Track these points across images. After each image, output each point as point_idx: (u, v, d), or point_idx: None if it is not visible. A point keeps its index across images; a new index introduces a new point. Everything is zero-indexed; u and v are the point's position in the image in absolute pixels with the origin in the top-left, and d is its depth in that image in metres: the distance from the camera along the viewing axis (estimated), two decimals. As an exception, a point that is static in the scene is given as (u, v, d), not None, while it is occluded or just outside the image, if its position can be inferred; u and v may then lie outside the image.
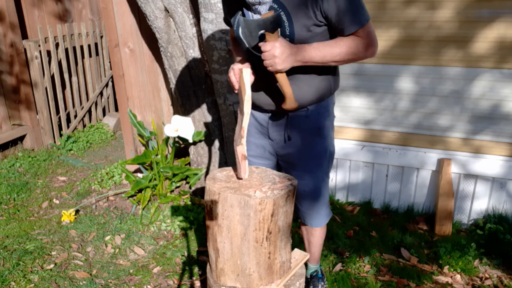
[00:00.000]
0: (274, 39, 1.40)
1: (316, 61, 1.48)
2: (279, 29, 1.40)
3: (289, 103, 1.57)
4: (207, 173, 3.17)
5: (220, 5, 2.50)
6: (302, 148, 1.73)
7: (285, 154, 1.78)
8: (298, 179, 1.76)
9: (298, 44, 1.48)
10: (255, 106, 1.75)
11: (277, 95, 1.63)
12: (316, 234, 2.01)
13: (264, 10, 1.46)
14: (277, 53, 1.39)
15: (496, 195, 2.80)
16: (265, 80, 1.60)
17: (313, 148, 1.74)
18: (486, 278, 2.37)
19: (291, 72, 1.53)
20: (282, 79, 1.51)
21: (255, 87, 1.65)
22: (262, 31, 1.40)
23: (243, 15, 1.54)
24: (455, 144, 2.82)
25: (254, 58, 1.56)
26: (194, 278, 2.41)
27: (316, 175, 1.80)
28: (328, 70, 1.64)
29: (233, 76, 1.56)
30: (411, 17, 2.66)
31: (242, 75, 1.49)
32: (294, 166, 1.79)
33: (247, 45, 1.46)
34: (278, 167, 1.89)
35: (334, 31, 1.51)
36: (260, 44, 1.42)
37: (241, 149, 1.52)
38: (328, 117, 1.74)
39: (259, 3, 1.44)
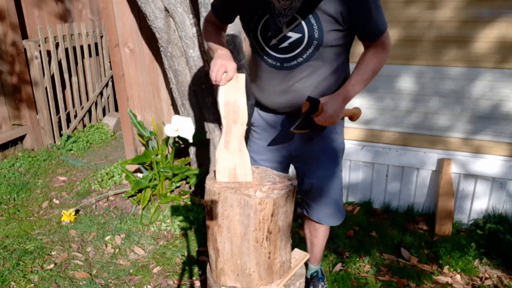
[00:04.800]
0: (321, 112, 1.48)
1: (358, 91, 1.57)
2: (319, 102, 1.48)
3: (356, 116, 1.70)
4: (207, 173, 3.17)
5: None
6: (321, 146, 1.74)
7: (303, 154, 1.77)
8: (317, 178, 1.77)
9: (325, 47, 1.51)
10: (267, 109, 1.74)
11: (293, 97, 1.63)
12: (320, 236, 2.01)
13: (292, 12, 1.44)
14: (334, 118, 1.50)
15: (496, 195, 2.79)
16: (279, 84, 1.59)
17: (331, 145, 1.76)
18: (486, 278, 2.37)
19: (310, 79, 1.57)
20: (342, 115, 1.61)
21: (269, 90, 1.65)
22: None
23: (269, 16, 1.51)
24: (455, 144, 2.82)
25: (272, 61, 1.58)
26: (194, 278, 2.41)
27: (334, 172, 1.81)
28: (342, 72, 1.66)
29: (220, 77, 1.48)
30: (411, 16, 2.66)
31: (238, 80, 1.47)
32: (312, 165, 1.77)
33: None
34: (287, 170, 1.89)
35: (357, 36, 1.56)
36: (315, 120, 1.51)
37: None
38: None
39: (289, 5, 1.43)
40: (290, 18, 1.46)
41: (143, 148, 3.57)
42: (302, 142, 1.74)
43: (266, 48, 1.58)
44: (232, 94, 1.49)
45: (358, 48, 1.92)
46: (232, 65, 1.49)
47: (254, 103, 1.87)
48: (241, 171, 1.54)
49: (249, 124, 1.88)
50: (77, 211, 3.10)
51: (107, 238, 2.79)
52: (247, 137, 1.67)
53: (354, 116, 1.69)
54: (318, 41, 1.49)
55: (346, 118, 1.77)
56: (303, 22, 1.46)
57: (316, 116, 1.49)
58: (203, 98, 3.01)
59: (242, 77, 1.48)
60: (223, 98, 1.49)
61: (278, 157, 1.82)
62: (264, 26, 1.55)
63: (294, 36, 1.50)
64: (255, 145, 1.87)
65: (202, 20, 2.62)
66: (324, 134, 1.72)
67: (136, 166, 3.54)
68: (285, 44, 1.53)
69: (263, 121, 1.80)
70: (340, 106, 1.51)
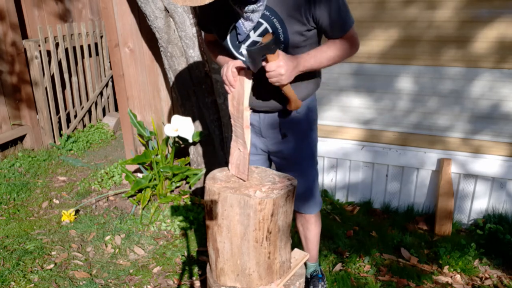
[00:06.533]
0: (276, 58, 1.44)
1: (314, 68, 1.56)
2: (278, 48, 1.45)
3: (295, 105, 1.64)
4: (207, 173, 3.17)
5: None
6: (297, 142, 1.80)
7: (280, 149, 1.82)
8: (294, 172, 1.81)
9: (292, 48, 1.54)
10: None
11: (269, 97, 1.68)
12: (311, 228, 2.05)
13: (256, 17, 1.48)
14: (283, 71, 1.44)
15: (496, 195, 2.80)
16: (256, 83, 1.62)
17: (307, 140, 1.82)
18: (486, 278, 2.37)
19: None
20: (286, 88, 1.56)
21: None
22: (264, 55, 1.43)
23: (236, 24, 1.54)
24: (455, 144, 2.82)
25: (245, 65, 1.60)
26: (194, 278, 2.41)
27: (311, 165, 1.88)
28: (314, 72, 1.72)
29: (230, 76, 1.51)
30: (410, 17, 2.66)
31: (244, 82, 1.47)
32: (290, 160, 1.83)
33: (251, 69, 1.48)
34: (269, 161, 1.96)
35: (323, 34, 1.60)
36: (264, 65, 1.45)
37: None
38: (314, 111, 1.85)
39: (252, 11, 1.46)
40: (256, 24, 1.51)
41: (143, 148, 3.57)
42: (279, 139, 1.79)
43: (237, 54, 1.62)
44: (236, 89, 1.51)
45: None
46: (237, 62, 1.51)
47: None
48: (241, 168, 1.55)
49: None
50: (77, 211, 3.10)
51: (107, 238, 2.79)
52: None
53: (293, 102, 1.64)
54: (284, 43, 1.53)
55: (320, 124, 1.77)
56: (268, 26, 1.51)
57: (269, 61, 1.45)
58: (203, 98, 3.01)
59: (246, 73, 1.47)
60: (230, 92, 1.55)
61: (259, 151, 1.88)
62: (233, 34, 1.59)
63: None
64: None
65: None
66: (300, 131, 1.78)
67: (136, 166, 3.54)
68: None
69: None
70: (292, 64, 1.47)
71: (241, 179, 1.57)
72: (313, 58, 1.53)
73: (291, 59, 1.47)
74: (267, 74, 1.46)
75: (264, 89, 1.63)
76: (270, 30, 1.51)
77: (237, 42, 1.59)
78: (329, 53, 1.55)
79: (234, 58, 1.64)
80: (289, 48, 1.54)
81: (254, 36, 1.54)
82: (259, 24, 1.51)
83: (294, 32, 1.51)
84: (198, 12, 1.72)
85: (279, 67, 1.43)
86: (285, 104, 1.67)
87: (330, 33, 1.55)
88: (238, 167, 1.57)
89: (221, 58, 1.75)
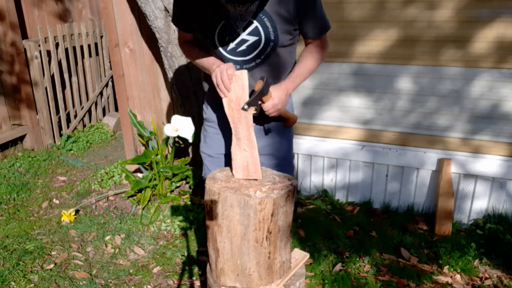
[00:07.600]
0: (270, 97, 1.54)
1: (298, 85, 1.66)
2: (270, 89, 1.53)
3: (293, 121, 1.80)
4: (207, 173, 3.16)
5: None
6: (280, 135, 1.83)
7: (263, 146, 1.81)
8: (275, 167, 1.82)
9: (280, 47, 1.58)
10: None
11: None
12: None
13: (248, 16, 1.49)
14: (279, 106, 1.57)
15: (496, 195, 2.80)
16: None
17: (288, 133, 1.86)
18: (486, 278, 2.37)
19: (269, 78, 1.61)
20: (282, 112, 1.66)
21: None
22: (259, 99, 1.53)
23: (225, 22, 1.55)
24: (455, 144, 2.82)
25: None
26: (194, 278, 2.41)
27: (290, 158, 1.91)
28: (287, 70, 1.76)
29: (227, 79, 1.46)
30: (410, 17, 2.66)
31: (242, 78, 1.47)
32: (272, 154, 1.84)
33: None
34: None
35: (304, 33, 1.65)
36: (262, 105, 1.55)
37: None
38: (291, 105, 1.91)
39: (246, 10, 1.47)
40: (247, 22, 1.52)
41: (143, 148, 3.57)
42: (262, 134, 1.80)
43: (225, 53, 1.62)
44: (233, 92, 1.50)
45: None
46: (229, 65, 1.50)
47: (206, 99, 1.90)
48: (252, 168, 1.55)
49: (203, 121, 1.95)
50: (77, 211, 3.10)
51: (107, 238, 2.79)
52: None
53: (291, 120, 1.77)
54: (274, 42, 1.56)
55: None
56: (258, 25, 1.53)
57: (264, 101, 1.55)
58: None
59: (242, 74, 1.46)
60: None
61: None
62: (221, 32, 1.58)
63: (251, 39, 1.56)
64: (212, 141, 1.89)
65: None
66: (282, 125, 1.80)
67: (136, 166, 3.54)
68: (243, 47, 1.58)
69: (220, 115, 1.79)
70: (284, 95, 1.57)
71: (252, 179, 1.56)
72: (298, 78, 1.62)
73: (282, 90, 1.56)
74: (265, 112, 1.56)
75: None
76: (261, 30, 1.52)
77: (226, 40, 1.58)
78: (309, 66, 1.64)
79: (220, 58, 1.62)
80: (278, 47, 1.57)
81: (243, 35, 1.55)
82: (249, 23, 1.52)
83: (284, 31, 1.54)
84: (179, 11, 1.65)
85: (275, 105, 1.54)
86: (284, 123, 1.78)
87: (312, 33, 1.61)
88: (246, 168, 1.56)
89: (204, 61, 1.66)
